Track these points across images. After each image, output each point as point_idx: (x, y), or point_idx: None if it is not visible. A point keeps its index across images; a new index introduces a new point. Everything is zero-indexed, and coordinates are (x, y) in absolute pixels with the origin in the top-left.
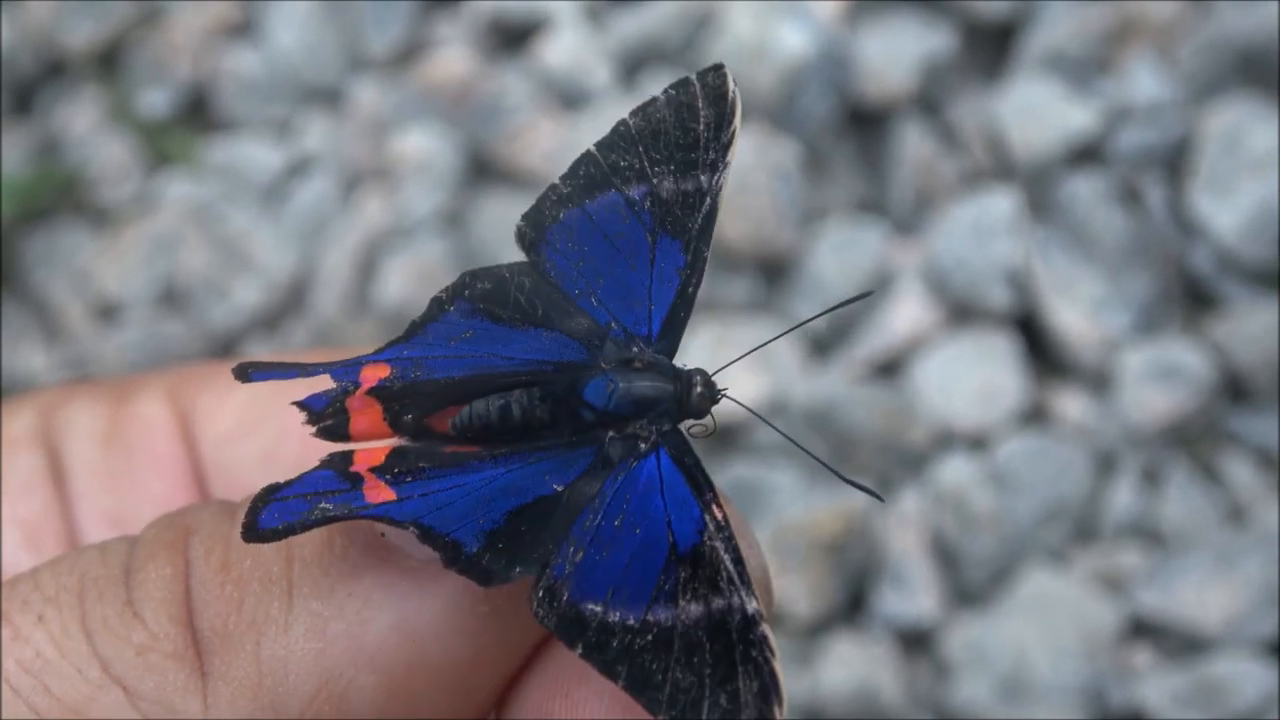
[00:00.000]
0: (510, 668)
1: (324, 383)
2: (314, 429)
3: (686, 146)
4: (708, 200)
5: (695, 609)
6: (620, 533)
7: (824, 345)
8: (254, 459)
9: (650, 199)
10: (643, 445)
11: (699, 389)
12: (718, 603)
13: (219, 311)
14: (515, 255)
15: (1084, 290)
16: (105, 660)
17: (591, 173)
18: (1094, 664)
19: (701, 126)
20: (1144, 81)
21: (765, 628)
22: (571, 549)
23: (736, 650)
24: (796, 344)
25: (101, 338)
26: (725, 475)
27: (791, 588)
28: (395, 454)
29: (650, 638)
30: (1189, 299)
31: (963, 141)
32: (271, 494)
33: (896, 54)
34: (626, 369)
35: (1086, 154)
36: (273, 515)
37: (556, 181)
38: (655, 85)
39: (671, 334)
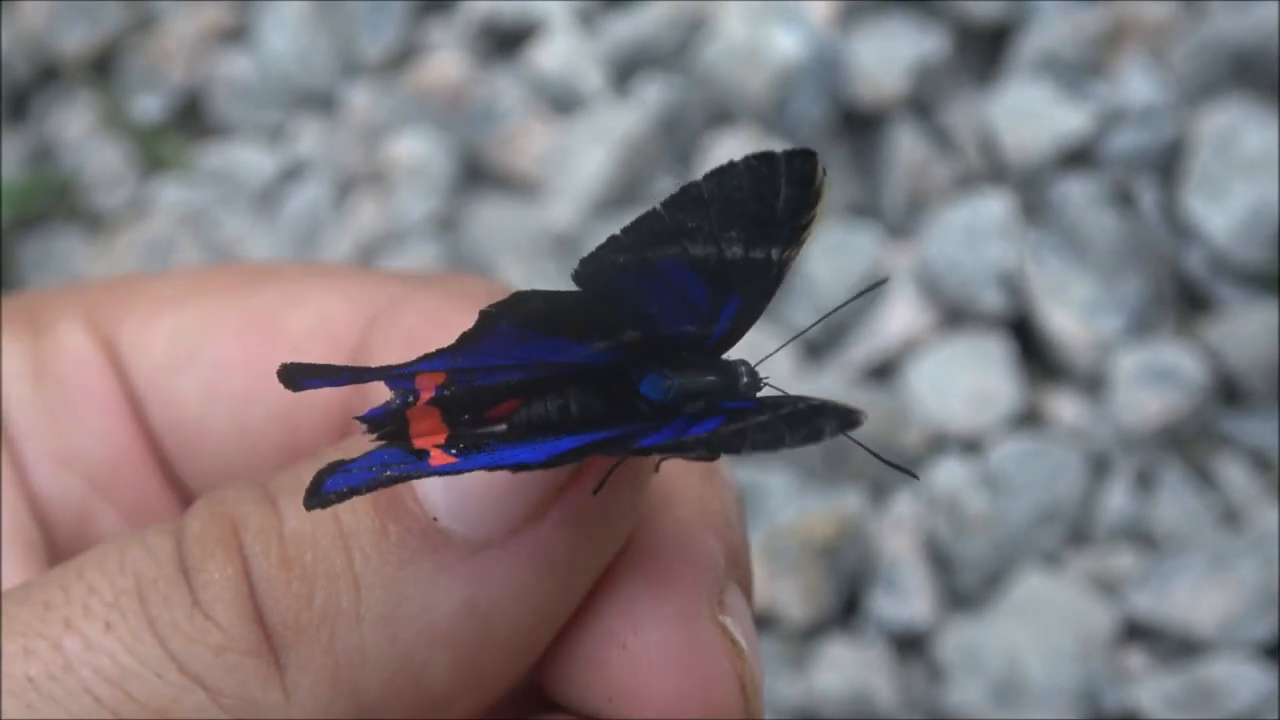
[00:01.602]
0: (562, 623)
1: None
2: (373, 437)
3: (760, 220)
4: (774, 270)
5: (764, 416)
6: (687, 424)
7: (817, 348)
8: (195, 393)
9: (716, 259)
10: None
11: (745, 378)
12: (784, 410)
13: None
14: (509, 259)
15: (1077, 293)
16: (182, 662)
17: (655, 229)
18: (1088, 667)
19: (780, 204)
20: (1137, 84)
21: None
22: (637, 438)
23: (808, 415)
24: (790, 347)
25: None
26: None
27: (784, 591)
28: (459, 434)
29: (725, 435)
30: (1182, 301)
31: (956, 144)
32: (337, 466)
33: (889, 57)
34: (680, 363)
35: (1079, 156)
36: (338, 481)
37: (618, 233)
38: (648, 89)
39: (722, 348)
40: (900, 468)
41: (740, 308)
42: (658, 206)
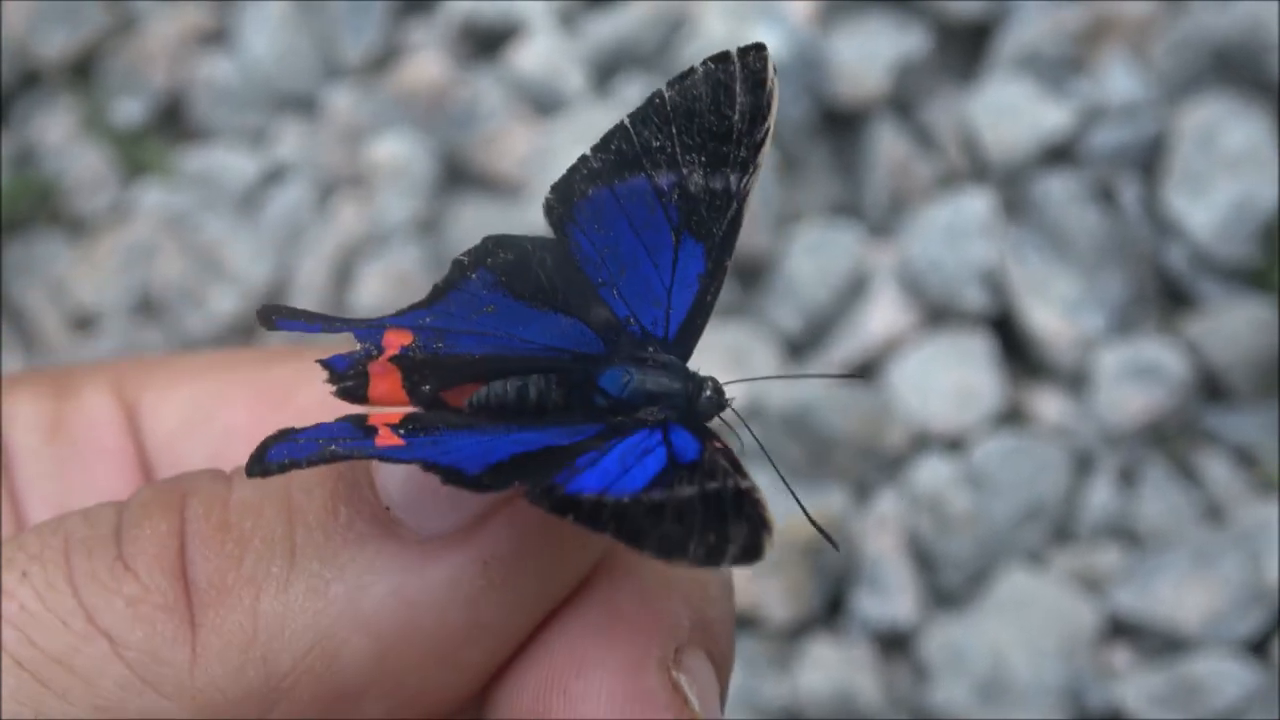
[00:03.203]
0: (501, 650)
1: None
2: (334, 388)
3: (719, 136)
4: (734, 205)
5: (689, 490)
6: (623, 460)
7: (800, 348)
8: (201, 458)
9: (678, 192)
10: (650, 421)
11: (708, 392)
12: (712, 485)
13: (195, 320)
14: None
15: (1059, 290)
16: (91, 611)
17: (623, 148)
18: (1072, 665)
19: (736, 115)
20: (1118, 80)
21: (760, 495)
22: (571, 470)
23: (728, 508)
24: (773, 347)
25: (78, 347)
26: None
27: (769, 592)
28: (411, 416)
29: (643, 508)
30: (1164, 298)
31: (937, 142)
32: (285, 435)
33: (870, 55)
34: (642, 363)
35: (1060, 154)
36: (281, 451)
37: (588, 153)
38: (629, 90)
39: (687, 339)
40: (824, 534)
41: (706, 260)
42: (625, 120)
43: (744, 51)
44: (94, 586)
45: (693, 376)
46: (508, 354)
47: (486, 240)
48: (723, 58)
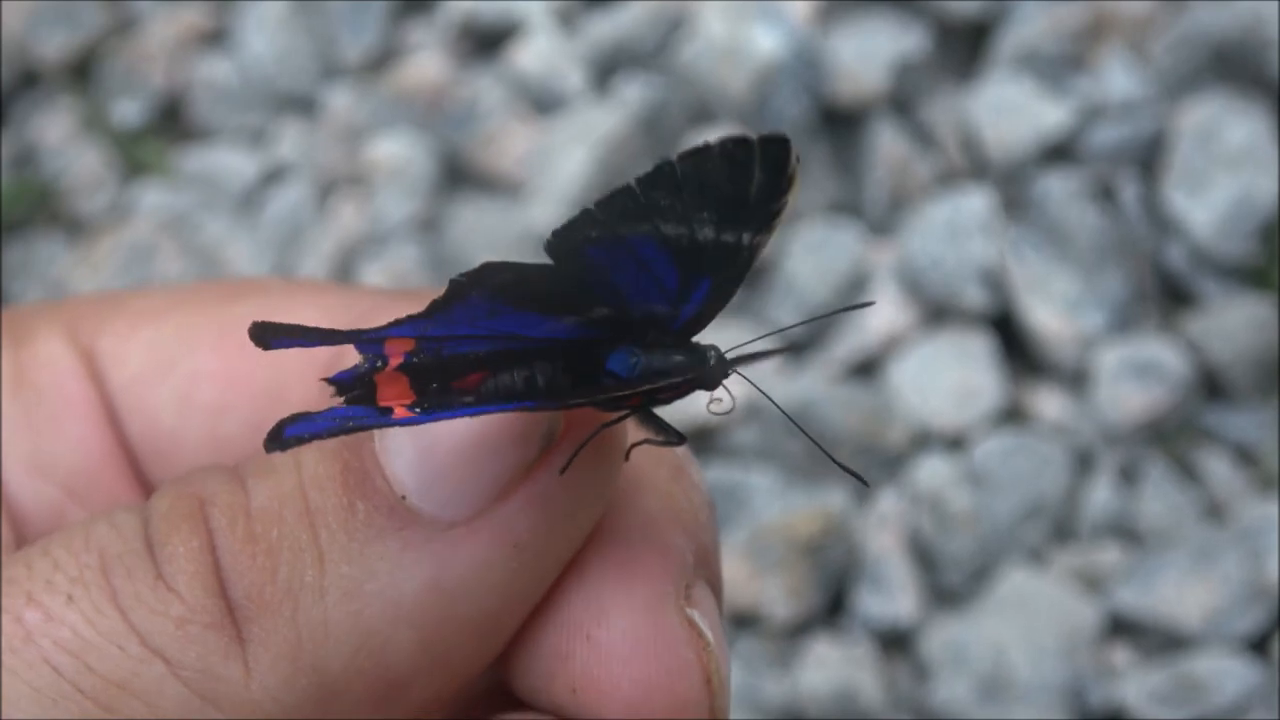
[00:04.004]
0: (530, 608)
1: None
2: (340, 400)
3: (733, 203)
4: (745, 254)
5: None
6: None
7: (800, 346)
8: (169, 403)
9: (687, 240)
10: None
11: (713, 361)
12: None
13: None
14: (489, 258)
15: (1058, 288)
16: (144, 635)
17: (628, 205)
18: (1073, 663)
19: (753, 189)
20: (1117, 78)
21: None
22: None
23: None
24: (772, 345)
25: None
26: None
27: (769, 590)
28: (425, 397)
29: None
30: (1164, 296)
31: (937, 141)
32: (300, 416)
33: (869, 54)
34: (646, 343)
35: (1060, 152)
36: (298, 428)
37: (590, 206)
38: (628, 89)
39: (690, 332)
40: (853, 474)
41: (710, 291)
42: (632, 183)
43: (766, 140)
44: (142, 610)
45: (696, 348)
46: (514, 347)
47: (484, 265)
48: (741, 140)
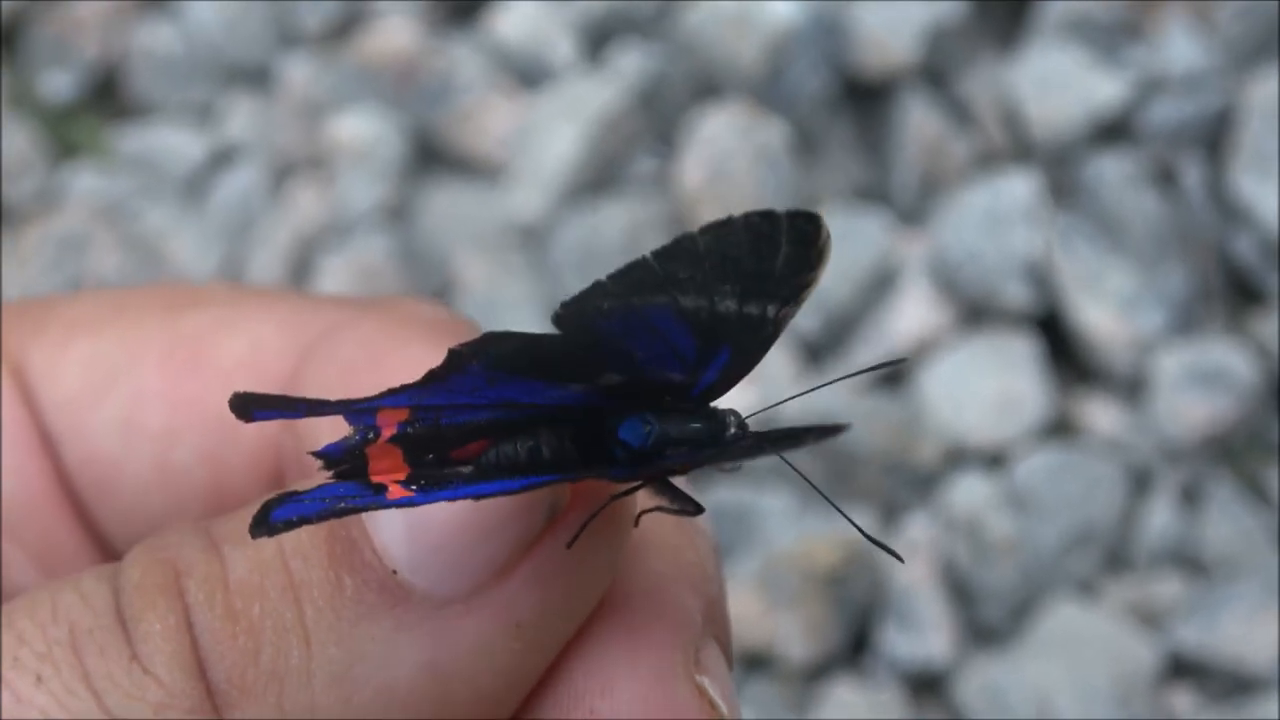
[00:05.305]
0: (532, 686)
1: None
2: (330, 474)
3: (757, 276)
4: (769, 327)
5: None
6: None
7: (819, 353)
8: (110, 427)
9: (707, 313)
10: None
11: (732, 429)
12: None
13: None
14: (468, 253)
15: (1112, 285)
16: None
17: (644, 278)
18: (1128, 708)
19: (779, 263)
20: (1179, 48)
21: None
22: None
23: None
24: (789, 351)
25: None
26: (709, 499)
27: (784, 627)
28: (419, 472)
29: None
30: (1231, 293)
31: (974, 118)
32: (288, 496)
33: (898, 20)
34: (661, 410)
35: (1114, 130)
36: (286, 511)
37: (603, 279)
38: (624, 60)
39: (708, 399)
40: (887, 549)
41: (731, 360)
42: (647, 256)
43: (793, 215)
44: (117, 694)
45: (714, 414)
46: (516, 415)
47: (486, 335)
48: (767, 214)
